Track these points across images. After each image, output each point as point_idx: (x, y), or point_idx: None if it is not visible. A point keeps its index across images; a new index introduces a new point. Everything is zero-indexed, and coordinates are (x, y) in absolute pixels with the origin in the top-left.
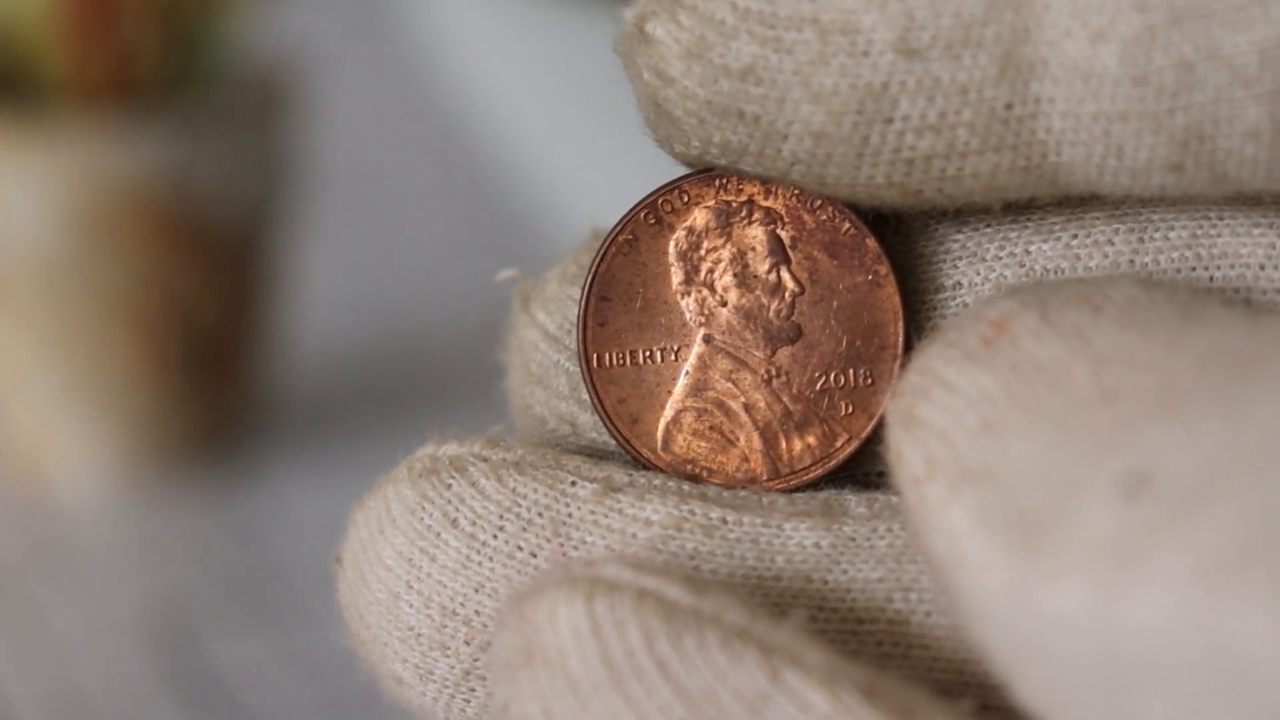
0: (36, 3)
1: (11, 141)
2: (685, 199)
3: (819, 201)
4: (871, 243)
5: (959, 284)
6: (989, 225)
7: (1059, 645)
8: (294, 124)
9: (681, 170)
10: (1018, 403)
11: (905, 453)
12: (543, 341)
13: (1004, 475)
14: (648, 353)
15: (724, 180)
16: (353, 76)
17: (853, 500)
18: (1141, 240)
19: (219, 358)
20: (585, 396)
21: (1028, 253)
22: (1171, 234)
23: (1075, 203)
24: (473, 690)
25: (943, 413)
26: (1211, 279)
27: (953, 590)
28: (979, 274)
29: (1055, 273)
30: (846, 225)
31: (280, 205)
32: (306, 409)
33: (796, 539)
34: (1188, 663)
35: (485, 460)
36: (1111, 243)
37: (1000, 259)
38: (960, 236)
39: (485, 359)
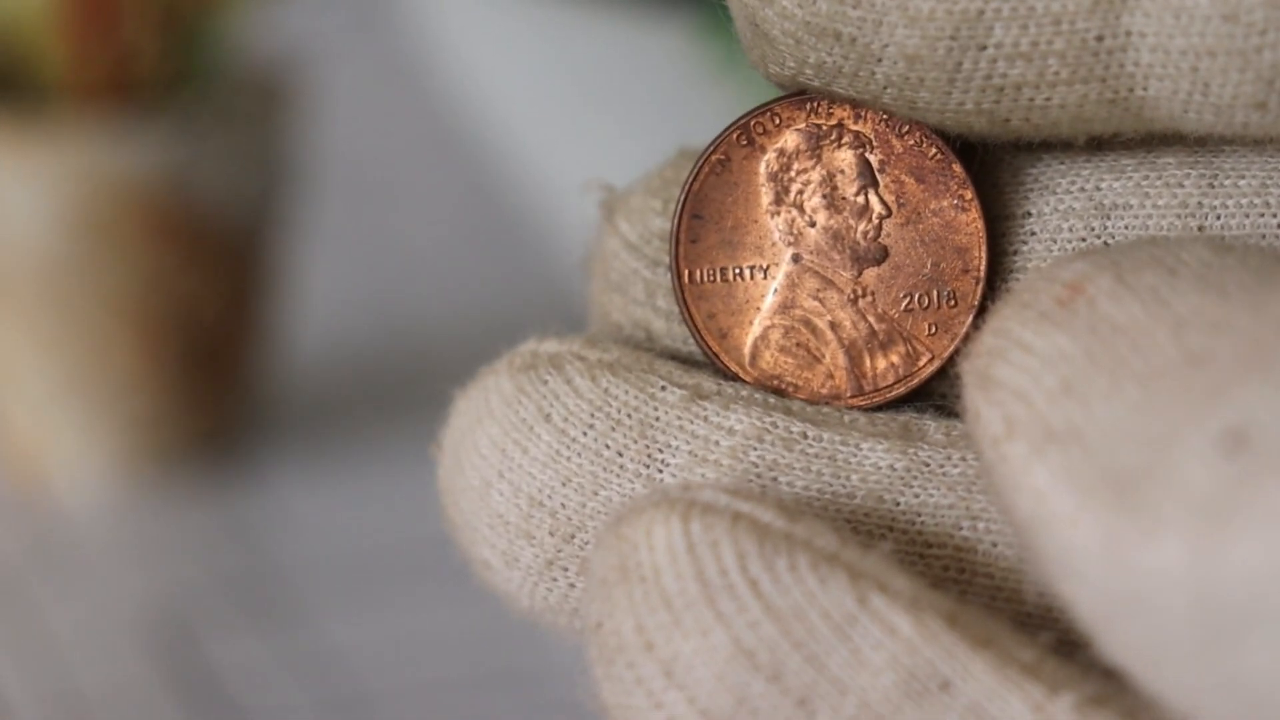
0: (36, 3)
1: (11, 141)
2: (777, 121)
3: (907, 126)
4: (957, 168)
5: (1029, 213)
6: (1062, 161)
7: (1157, 600)
8: (294, 123)
9: (775, 92)
10: (1098, 364)
11: (983, 413)
12: (623, 250)
13: (1089, 435)
14: (737, 270)
15: (815, 103)
16: (353, 76)
17: (931, 425)
18: (1212, 185)
19: (219, 358)
20: (660, 304)
21: (1098, 188)
22: (1242, 181)
23: (1149, 145)
24: (554, 580)
25: (1020, 373)
26: None
27: (1037, 548)
28: (1048, 204)
29: (1123, 208)
30: (933, 150)
31: (280, 205)
32: (306, 409)
33: (873, 459)
34: None
35: (582, 359)
36: (1182, 185)
37: (1070, 192)
38: (1034, 170)
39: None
